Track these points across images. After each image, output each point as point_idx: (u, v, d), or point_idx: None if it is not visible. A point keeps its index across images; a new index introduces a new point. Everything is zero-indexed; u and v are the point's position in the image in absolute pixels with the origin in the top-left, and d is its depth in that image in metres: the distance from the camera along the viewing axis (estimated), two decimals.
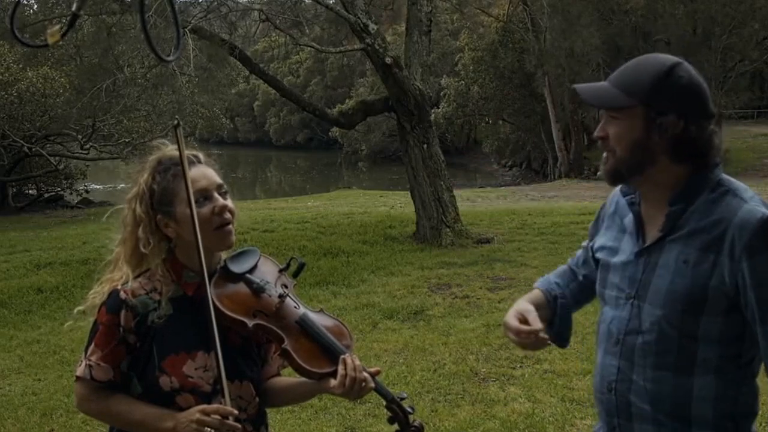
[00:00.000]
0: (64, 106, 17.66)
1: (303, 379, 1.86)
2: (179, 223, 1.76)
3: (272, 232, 11.56)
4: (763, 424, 4.07)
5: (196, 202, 1.73)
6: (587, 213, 11.90)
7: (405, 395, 1.86)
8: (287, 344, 1.76)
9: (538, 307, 1.88)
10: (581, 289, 1.97)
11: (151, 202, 1.77)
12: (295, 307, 1.82)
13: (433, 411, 4.57)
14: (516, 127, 34.23)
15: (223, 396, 1.70)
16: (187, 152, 1.80)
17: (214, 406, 1.69)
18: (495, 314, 6.71)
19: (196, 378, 1.73)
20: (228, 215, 1.77)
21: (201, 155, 1.84)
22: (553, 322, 1.93)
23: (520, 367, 5.33)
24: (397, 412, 1.83)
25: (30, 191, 22.59)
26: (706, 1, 25.04)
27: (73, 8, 1.51)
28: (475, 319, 6.62)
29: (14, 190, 21.63)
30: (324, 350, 1.79)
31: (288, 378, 1.96)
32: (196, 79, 13.79)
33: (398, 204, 16.31)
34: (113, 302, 1.75)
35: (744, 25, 25.96)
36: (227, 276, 1.81)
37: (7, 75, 17.09)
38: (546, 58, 27.00)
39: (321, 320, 1.84)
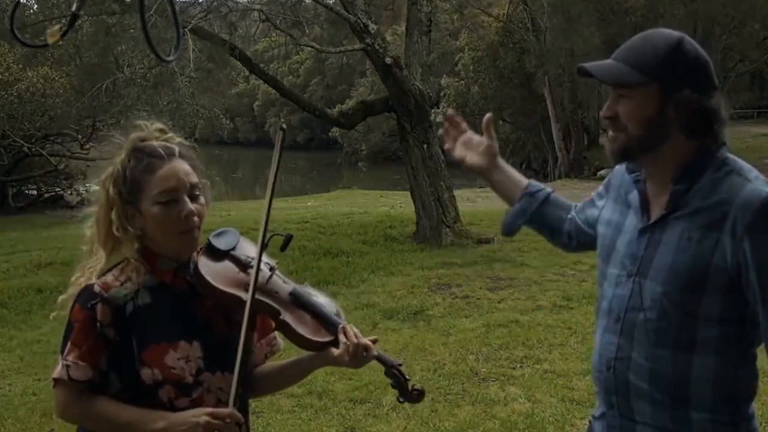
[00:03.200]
0: (63, 106, 17.66)
1: (294, 359, 1.83)
2: (145, 219, 1.67)
3: (272, 232, 11.54)
4: (763, 424, 4.07)
5: (163, 202, 1.65)
6: None
7: (401, 362, 1.87)
8: (284, 316, 1.73)
9: (512, 181, 2.01)
10: (559, 221, 1.98)
11: (121, 188, 1.68)
12: (285, 282, 1.80)
13: (433, 411, 4.57)
14: (516, 127, 34.21)
15: (234, 403, 1.63)
16: (161, 143, 1.71)
17: (227, 410, 1.60)
18: (495, 314, 6.71)
19: (178, 369, 1.64)
20: (194, 220, 1.68)
21: (177, 148, 1.72)
22: (512, 208, 2.00)
23: (520, 367, 5.33)
24: (399, 377, 1.83)
25: (30, 191, 22.59)
26: (706, 1, 25.05)
27: (73, 8, 1.52)
28: (475, 319, 6.62)
29: (14, 190, 21.62)
30: (321, 320, 1.78)
31: (276, 362, 1.90)
32: (196, 80, 13.80)
33: (398, 204, 16.32)
34: (87, 297, 1.66)
35: (744, 25, 25.99)
36: (213, 254, 1.75)
37: (7, 75, 17.08)
38: (546, 58, 26.99)
39: (311, 293, 1.83)
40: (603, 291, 1.77)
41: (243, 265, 1.76)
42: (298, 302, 1.78)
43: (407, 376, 1.83)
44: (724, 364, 1.59)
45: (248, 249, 1.81)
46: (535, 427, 4.28)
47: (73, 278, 1.75)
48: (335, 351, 1.75)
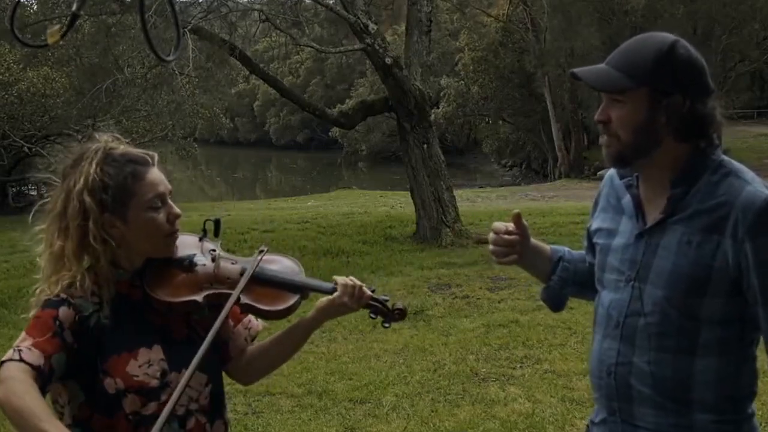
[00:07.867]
0: (64, 107, 17.67)
1: (289, 326, 1.85)
2: (129, 227, 1.66)
3: (272, 232, 11.56)
4: (763, 424, 4.07)
5: (153, 207, 1.67)
6: (587, 213, 11.81)
7: (374, 288, 1.86)
8: (243, 298, 1.73)
9: (540, 252, 1.87)
10: (588, 273, 1.90)
11: (101, 197, 1.65)
12: (233, 263, 1.79)
13: (433, 411, 4.57)
14: (516, 127, 34.23)
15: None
16: (141, 151, 1.72)
17: None
18: (495, 314, 6.71)
19: (141, 376, 1.65)
20: (178, 222, 1.72)
21: (156, 156, 1.74)
22: (550, 281, 1.91)
23: (520, 367, 5.33)
24: (376, 305, 1.82)
25: (30, 191, 22.59)
26: (707, 1, 25.07)
27: (73, 8, 1.52)
28: (475, 319, 6.62)
29: (14, 190, 21.64)
30: (281, 287, 1.78)
31: (266, 339, 1.90)
32: (196, 80, 13.79)
33: (398, 204, 16.33)
34: (53, 301, 1.64)
35: (744, 25, 26.02)
36: (155, 268, 1.74)
37: (7, 75, 17.08)
38: (546, 58, 27.03)
39: (265, 264, 1.82)
40: (600, 297, 1.77)
41: (186, 267, 1.75)
42: (254, 279, 1.77)
43: (383, 299, 1.83)
44: (725, 364, 1.60)
45: (187, 244, 1.80)
46: (535, 427, 4.28)
47: (38, 290, 1.70)
48: (336, 294, 1.79)
